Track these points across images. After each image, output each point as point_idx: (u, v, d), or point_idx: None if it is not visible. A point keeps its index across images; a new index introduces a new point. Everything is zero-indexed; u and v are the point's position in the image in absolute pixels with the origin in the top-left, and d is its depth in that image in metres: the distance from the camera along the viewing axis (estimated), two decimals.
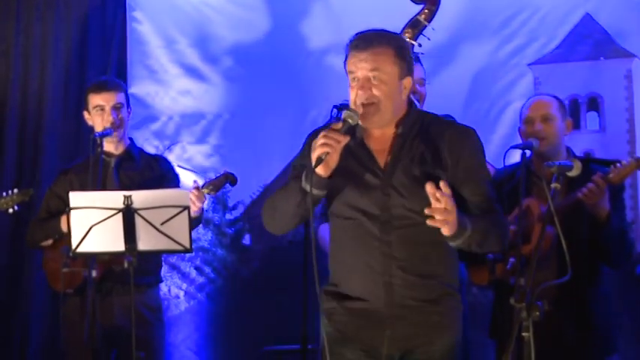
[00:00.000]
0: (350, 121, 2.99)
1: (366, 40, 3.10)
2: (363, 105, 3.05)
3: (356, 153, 3.13)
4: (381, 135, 3.15)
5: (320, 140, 2.94)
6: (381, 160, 3.13)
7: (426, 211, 2.89)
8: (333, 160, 2.99)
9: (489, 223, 3.09)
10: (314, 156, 2.95)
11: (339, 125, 2.99)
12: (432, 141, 3.13)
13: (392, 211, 3.08)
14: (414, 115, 3.18)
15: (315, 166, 2.95)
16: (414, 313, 3.10)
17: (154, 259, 4.50)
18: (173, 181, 4.61)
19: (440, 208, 2.87)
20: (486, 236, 3.08)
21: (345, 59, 3.14)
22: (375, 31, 3.15)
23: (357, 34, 3.14)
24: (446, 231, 2.91)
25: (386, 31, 3.18)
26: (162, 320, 4.62)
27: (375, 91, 3.06)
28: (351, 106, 3.08)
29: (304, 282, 4.24)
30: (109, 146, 4.49)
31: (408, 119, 3.16)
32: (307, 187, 3.00)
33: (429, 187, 2.87)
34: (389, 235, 3.09)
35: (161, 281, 4.70)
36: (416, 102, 4.27)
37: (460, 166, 3.11)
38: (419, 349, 3.12)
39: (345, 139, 2.97)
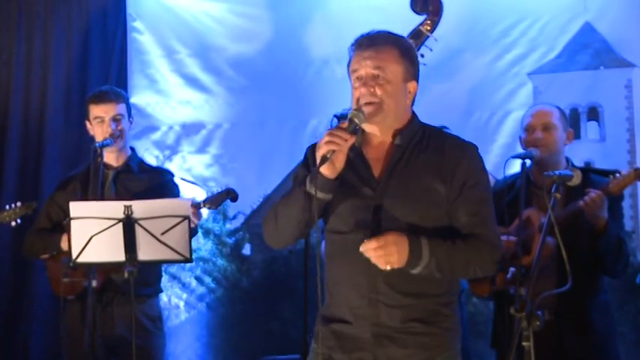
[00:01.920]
0: (356, 120, 2.87)
1: (371, 39, 3.02)
2: (366, 104, 2.94)
3: (353, 163, 3.00)
4: (379, 144, 3.05)
5: (325, 138, 2.84)
6: (378, 170, 3.02)
7: (361, 248, 2.83)
8: (340, 161, 2.88)
9: (462, 250, 2.94)
10: (319, 154, 2.83)
11: (346, 124, 2.88)
12: (432, 154, 3.01)
13: (382, 223, 2.94)
14: (415, 126, 3.06)
15: (320, 164, 2.83)
16: (401, 333, 2.96)
17: (154, 270, 4.49)
18: (172, 192, 4.60)
19: (377, 252, 2.82)
20: (455, 264, 2.93)
21: (349, 61, 3.04)
22: (379, 31, 3.07)
23: (361, 35, 3.06)
24: (382, 265, 2.84)
25: (391, 32, 3.09)
26: (162, 330, 4.61)
27: (379, 90, 2.95)
28: (354, 106, 2.98)
29: (304, 292, 4.24)
30: (109, 157, 4.49)
31: (409, 129, 3.04)
32: (312, 190, 2.87)
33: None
34: None
35: (161, 291, 4.69)
36: None
37: (455, 183, 2.98)
38: None
39: (351, 139, 2.86)
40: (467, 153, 3.03)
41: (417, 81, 3.07)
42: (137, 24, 6.63)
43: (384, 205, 2.96)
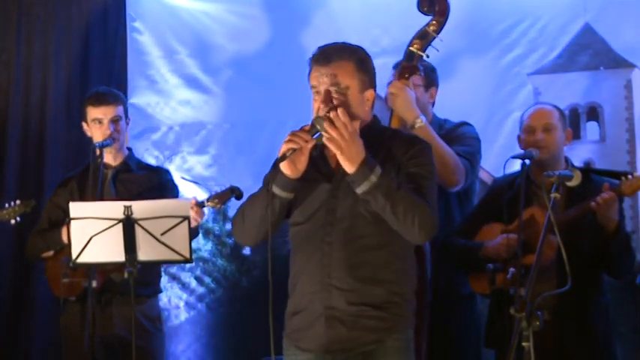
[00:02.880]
0: (318, 127, 3.03)
1: (327, 55, 3.18)
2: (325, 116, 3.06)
3: (315, 160, 3.17)
4: None
5: (286, 138, 3.01)
6: (334, 162, 3.16)
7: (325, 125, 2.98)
8: (301, 163, 3.05)
9: (410, 196, 3.04)
10: (280, 153, 3.01)
11: (308, 127, 3.05)
12: (386, 149, 3.18)
13: (337, 212, 3.12)
14: (373, 128, 3.25)
15: (280, 161, 3.01)
16: (351, 316, 3.10)
17: (153, 270, 4.50)
18: (172, 192, 4.61)
19: (336, 121, 2.97)
20: (399, 198, 3.02)
21: (309, 73, 3.24)
22: (335, 44, 3.23)
23: (318, 48, 3.24)
24: (340, 150, 2.97)
25: (347, 44, 3.25)
26: (161, 330, 4.62)
27: (337, 103, 3.10)
28: (314, 115, 3.15)
29: None
30: (107, 157, 4.50)
31: (367, 129, 3.19)
32: (274, 190, 3.07)
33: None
34: (331, 235, 3.12)
35: (160, 292, 4.70)
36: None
37: (404, 163, 3.14)
38: (361, 352, 3.12)
39: (312, 141, 3.02)
40: (416, 145, 3.20)
41: (374, 87, 3.23)
42: (137, 24, 6.63)
43: (340, 196, 3.12)
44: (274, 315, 3.15)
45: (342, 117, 2.99)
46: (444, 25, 4.04)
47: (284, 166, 3.04)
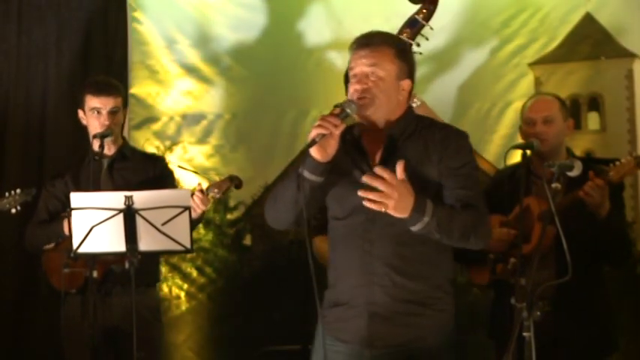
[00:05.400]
0: (348, 110, 3.03)
1: (368, 38, 3.18)
2: (359, 98, 3.09)
3: (351, 152, 3.17)
4: (376, 135, 3.18)
5: (316, 123, 2.99)
6: (373, 158, 3.17)
7: (360, 193, 2.94)
8: (331, 147, 3.02)
9: (462, 215, 3.06)
10: (309, 138, 2.98)
11: (337, 111, 3.03)
12: (424, 142, 3.16)
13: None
14: (408, 119, 3.22)
15: (310, 146, 2.97)
16: (394, 313, 3.11)
17: (152, 260, 4.49)
18: (169, 180, 4.61)
19: (380, 186, 2.91)
20: (454, 227, 3.03)
21: (349, 59, 3.20)
22: (378, 32, 3.23)
23: (361, 35, 3.21)
24: (387, 209, 2.93)
25: (389, 33, 3.28)
26: (160, 320, 4.64)
27: (372, 86, 3.11)
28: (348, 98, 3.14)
29: (305, 282, 4.23)
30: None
31: (403, 121, 3.19)
32: (305, 174, 3.04)
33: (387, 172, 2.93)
34: (371, 233, 3.12)
35: (159, 281, 4.70)
36: None
37: (444, 163, 3.12)
38: (402, 348, 3.12)
39: (341, 125, 3.00)
40: (455, 138, 3.19)
41: (413, 79, 3.22)
42: (137, 14, 6.62)
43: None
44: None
45: (384, 174, 2.94)
46: (433, 13, 4.02)
47: (314, 151, 3.01)
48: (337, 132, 3.00)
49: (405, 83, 3.19)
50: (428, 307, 3.13)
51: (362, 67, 3.13)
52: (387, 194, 2.93)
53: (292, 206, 3.12)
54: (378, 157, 3.16)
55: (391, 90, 3.15)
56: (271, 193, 3.29)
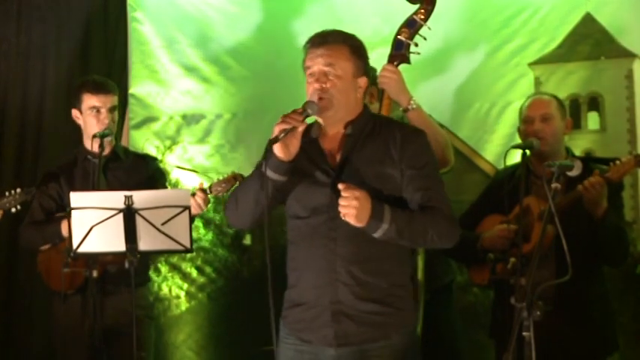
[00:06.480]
0: (309, 110, 3.09)
1: (323, 37, 3.23)
2: (319, 99, 3.14)
3: (309, 152, 3.21)
4: (334, 135, 3.24)
5: (279, 121, 3.05)
6: (333, 159, 3.21)
7: (340, 186, 2.98)
8: (294, 146, 3.08)
9: (422, 218, 3.09)
10: (273, 136, 3.05)
11: (300, 110, 3.09)
12: (383, 141, 3.20)
13: (338, 207, 3.06)
14: (366, 117, 3.26)
15: (272, 143, 3.03)
16: (357, 311, 3.12)
17: (142, 259, 4.48)
18: (161, 180, 4.62)
19: (343, 199, 2.96)
20: (415, 230, 3.07)
21: (304, 58, 3.27)
22: (331, 30, 3.28)
23: (315, 34, 3.27)
24: (351, 220, 2.97)
25: (342, 31, 3.29)
26: (152, 318, 4.66)
27: (330, 86, 3.16)
28: (308, 99, 3.19)
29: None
30: (96, 147, 4.44)
31: (360, 120, 3.24)
32: (268, 173, 3.09)
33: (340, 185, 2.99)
34: (334, 231, 3.14)
35: (149, 280, 4.71)
36: None
37: (405, 165, 3.15)
38: (367, 347, 3.13)
39: (303, 124, 3.06)
40: (415, 138, 3.21)
41: (368, 76, 3.27)
42: (137, 14, 6.62)
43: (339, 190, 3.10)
44: (281, 303, 3.19)
45: (346, 192, 2.98)
46: (431, 13, 4.02)
47: (277, 149, 3.06)
48: (300, 129, 3.06)
49: (362, 80, 3.25)
50: (390, 305, 3.15)
51: (319, 65, 3.18)
52: (348, 206, 2.97)
53: (254, 206, 3.19)
54: (338, 157, 3.20)
55: (349, 88, 3.20)
56: (231, 194, 3.34)
